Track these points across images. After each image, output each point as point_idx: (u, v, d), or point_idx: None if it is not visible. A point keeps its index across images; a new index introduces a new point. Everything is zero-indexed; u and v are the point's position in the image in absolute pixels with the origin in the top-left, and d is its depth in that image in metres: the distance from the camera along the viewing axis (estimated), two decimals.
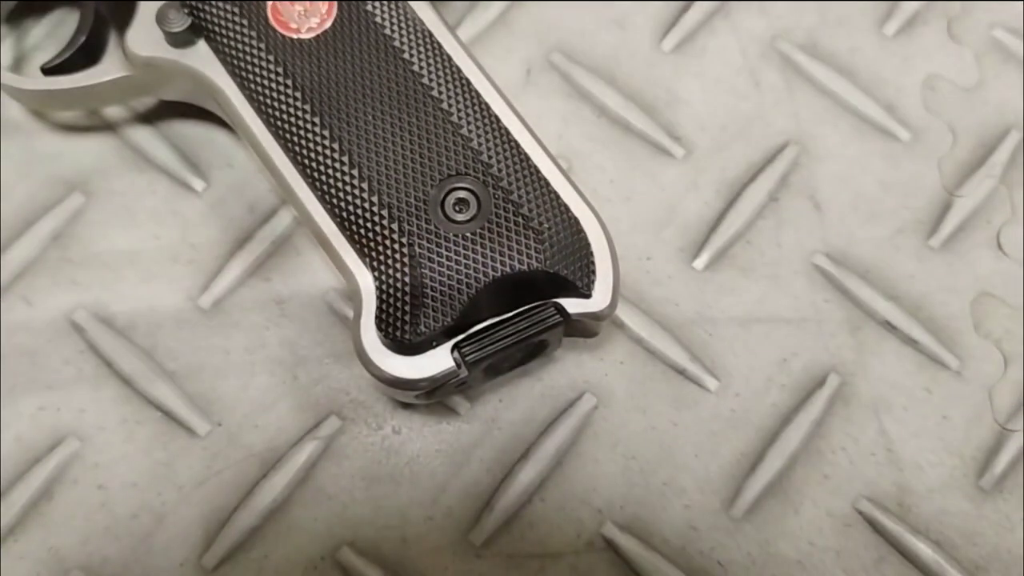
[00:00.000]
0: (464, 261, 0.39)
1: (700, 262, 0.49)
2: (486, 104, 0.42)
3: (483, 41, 0.51)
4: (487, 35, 0.52)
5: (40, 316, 0.46)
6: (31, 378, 0.45)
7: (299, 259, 0.48)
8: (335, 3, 0.43)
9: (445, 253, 0.40)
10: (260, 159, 0.43)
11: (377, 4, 0.43)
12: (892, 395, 0.47)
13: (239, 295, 0.47)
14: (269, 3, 0.43)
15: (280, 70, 0.42)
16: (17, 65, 0.50)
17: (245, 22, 0.42)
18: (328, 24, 0.42)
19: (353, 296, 0.41)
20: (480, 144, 0.41)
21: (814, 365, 0.48)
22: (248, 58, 0.42)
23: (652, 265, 0.49)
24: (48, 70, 0.46)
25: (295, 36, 0.42)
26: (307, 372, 0.46)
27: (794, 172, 0.50)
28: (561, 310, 0.40)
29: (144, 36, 0.44)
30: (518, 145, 0.42)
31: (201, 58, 0.44)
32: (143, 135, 0.49)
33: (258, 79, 0.42)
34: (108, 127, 0.49)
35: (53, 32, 0.51)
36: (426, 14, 0.44)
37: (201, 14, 0.43)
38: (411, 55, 0.42)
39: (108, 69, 0.45)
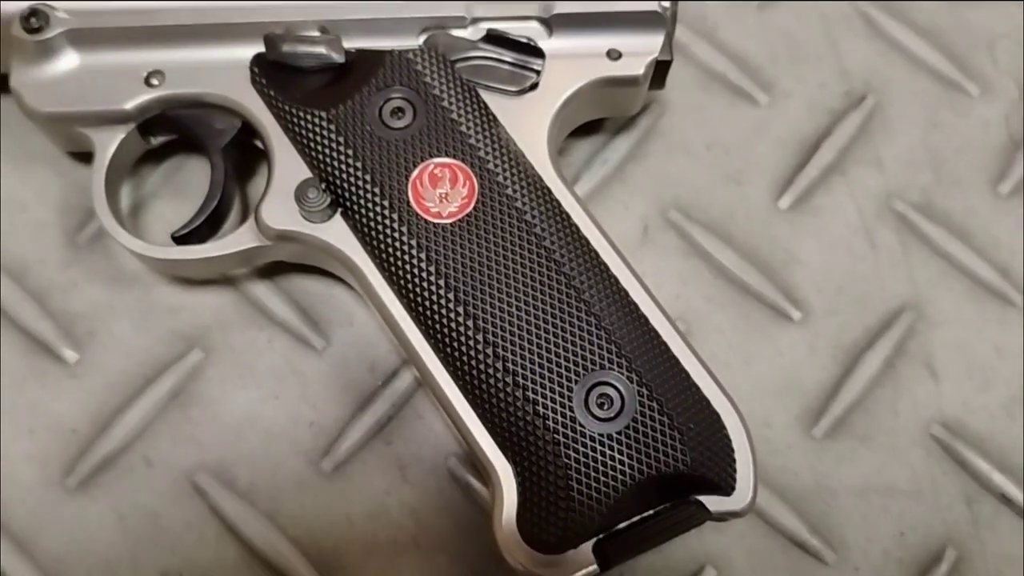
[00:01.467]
0: (609, 462, 0.40)
1: (819, 430, 0.49)
2: (625, 291, 0.43)
3: (600, 195, 0.52)
4: (604, 189, 0.53)
5: (162, 476, 0.47)
6: (154, 541, 0.46)
7: (420, 422, 0.48)
8: (475, 187, 0.43)
9: (590, 453, 0.40)
10: (396, 338, 0.44)
11: (516, 188, 0.44)
12: (1009, 571, 0.48)
13: (360, 459, 0.48)
14: (410, 184, 0.44)
15: (423, 256, 0.43)
16: (135, 213, 0.51)
17: (386, 203, 0.43)
18: (469, 208, 0.43)
19: (487, 477, 0.42)
20: (622, 337, 0.42)
21: (931, 538, 0.48)
22: (388, 240, 0.43)
23: (772, 433, 0.49)
24: (179, 238, 0.46)
25: (436, 221, 0.43)
26: (429, 540, 0.47)
27: (910, 338, 0.51)
28: (702, 508, 0.41)
29: (279, 209, 0.45)
30: (657, 335, 0.43)
31: (337, 234, 0.45)
32: (262, 290, 0.50)
33: (398, 262, 0.43)
34: (227, 281, 0.50)
35: (170, 178, 0.52)
36: (556, 186, 0.45)
37: (341, 192, 0.44)
38: (550, 239, 0.43)
39: (240, 239, 0.46)
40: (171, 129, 0.49)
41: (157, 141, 0.50)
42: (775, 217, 0.53)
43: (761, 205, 0.53)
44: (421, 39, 0.47)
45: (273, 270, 0.50)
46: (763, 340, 0.51)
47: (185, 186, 0.52)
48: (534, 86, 0.47)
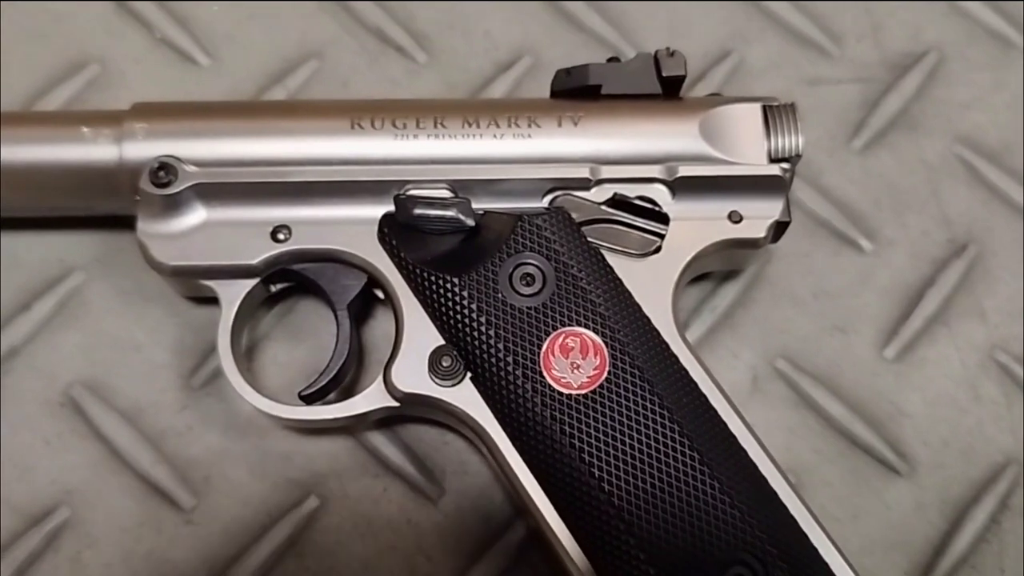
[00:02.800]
0: None
1: None
2: (753, 464, 0.44)
3: (709, 343, 0.54)
4: (712, 337, 0.54)
5: None
6: None
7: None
8: (606, 357, 0.44)
9: None
10: (521, 500, 0.45)
11: (646, 358, 0.45)
12: None
13: None
14: (542, 354, 0.45)
15: (556, 427, 0.44)
16: (249, 355, 0.52)
17: (519, 373, 0.44)
18: (601, 379, 0.44)
19: None
20: (756, 519, 0.43)
21: None
22: (521, 410, 0.44)
23: None
24: (307, 396, 0.47)
25: (569, 392, 0.44)
26: None
27: (1014, 494, 0.52)
28: None
29: (409, 371, 0.46)
30: (788, 513, 0.43)
31: (467, 398, 0.46)
32: (378, 438, 0.51)
33: (531, 431, 0.44)
34: (343, 428, 0.51)
35: (282, 319, 0.53)
36: (683, 353, 0.46)
37: (472, 359, 0.45)
38: (680, 412, 0.44)
39: (370, 400, 0.47)
40: (294, 281, 0.50)
41: (276, 288, 0.51)
42: (881, 367, 0.54)
43: (867, 355, 0.54)
44: (546, 200, 0.48)
45: (387, 417, 0.51)
46: (871, 494, 0.52)
47: (298, 328, 0.53)
48: (657, 249, 0.48)
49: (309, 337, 0.52)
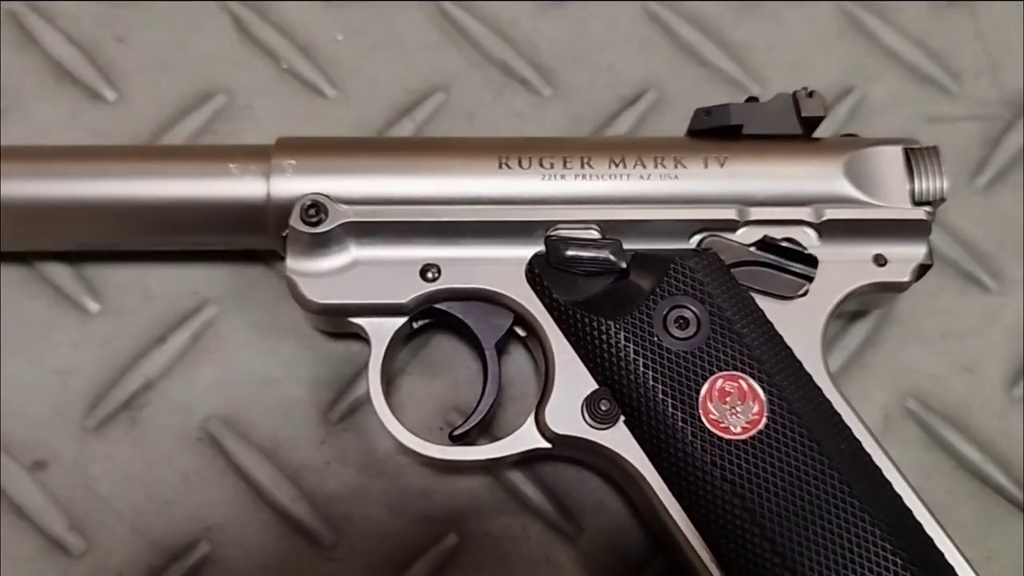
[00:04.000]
0: None
1: None
2: (906, 508, 0.45)
3: (841, 382, 0.54)
4: (844, 376, 0.55)
5: None
6: None
7: None
8: (764, 402, 0.45)
9: None
10: (675, 540, 0.46)
11: (802, 403, 0.45)
12: None
13: None
14: (700, 398, 0.45)
15: (716, 472, 0.44)
16: (388, 390, 0.52)
17: (678, 416, 0.45)
18: (761, 425, 0.45)
19: None
20: (915, 565, 0.43)
21: None
22: (680, 454, 0.45)
23: None
24: (457, 437, 0.48)
25: (729, 437, 0.45)
26: None
27: None
28: None
29: (562, 413, 0.47)
30: (940, 555, 0.44)
31: (620, 441, 0.46)
32: (516, 476, 0.52)
33: (690, 476, 0.45)
34: (480, 466, 0.51)
35: (418, 353, 0.53)
36: (835, 398, 0.46)
37: (628, 402, 0.45)
38: (837, 458, 0.45)
39: (522, 441, 0.48)
40: (437, 319, 0.50)
41: (417, 325, 0.51)
42: (1010, 408, 0.55)
43: (995, 395, 0.55)
44: (693, 241, 0.49)
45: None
46: (1004, 535, 0.52)
47: (433, 364, 0.53)
48: (805, 292, 0.48)
49: (444, 372, 0.53)
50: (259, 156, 0.49)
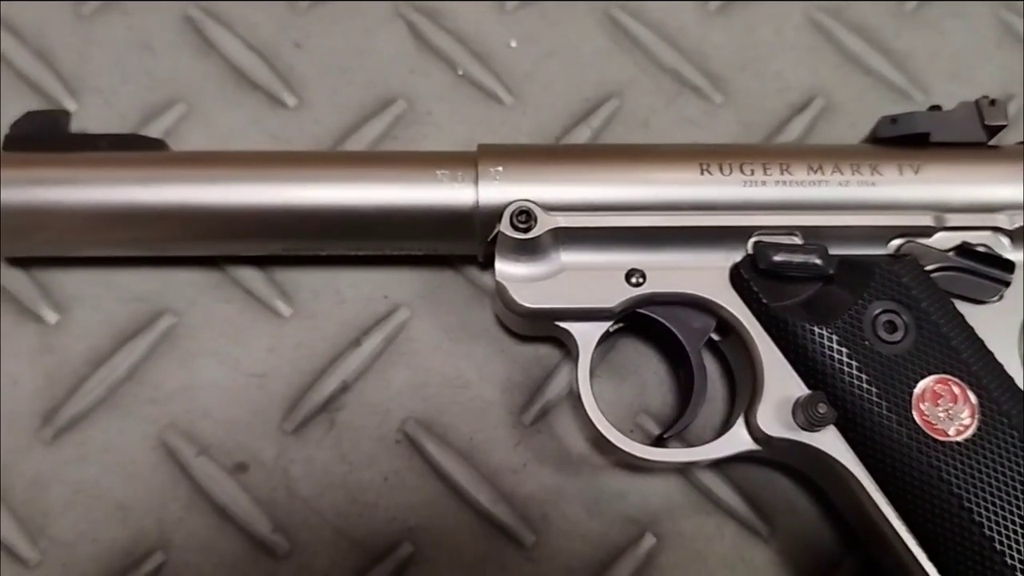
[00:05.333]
0: None
1: None
2: None
3: None
4: None
5: None
6: None
7: None
8: (975, 405, 0.46)
9: None
10: (888, 541, 0.47)
11: (1010, 404, 0.47)
12: None
13: None
14: (914, 400, 0.46)
15: (934, 474, 0.46)
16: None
17: (893, 419, 0.46)
18: (974, 427, 0.46)
19: None
20: None
21: None
22: (893, 455, 0.46)
23: None
24: (665, 438, 0.49)
25: (944, 439, 0.46)
26: None
27: None
28: None
29: (773, 416, 0.48)
30: None
31: (831, 443, 0.47)
32: (708, 476, 0.53)
33: (907, 478, 0.46)
34: (676, 467, 0.53)
35: (605, 356, 0.55)
36: None
37: (840, 405, 0.47)
38: None
39: (733, 443, 0.49)
40: (637, 323, 0.52)
41: (614, 329, 0.52)
42: None
43: None
44: (891, 247, 0.50)
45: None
46: None
47: (620, 367, 0.54)
48: (1000, 296, 0.50)
49: (631, 376, 0.54)
50: (464, 163, 0.50)
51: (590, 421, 0.49)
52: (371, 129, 0.58)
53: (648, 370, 0.54)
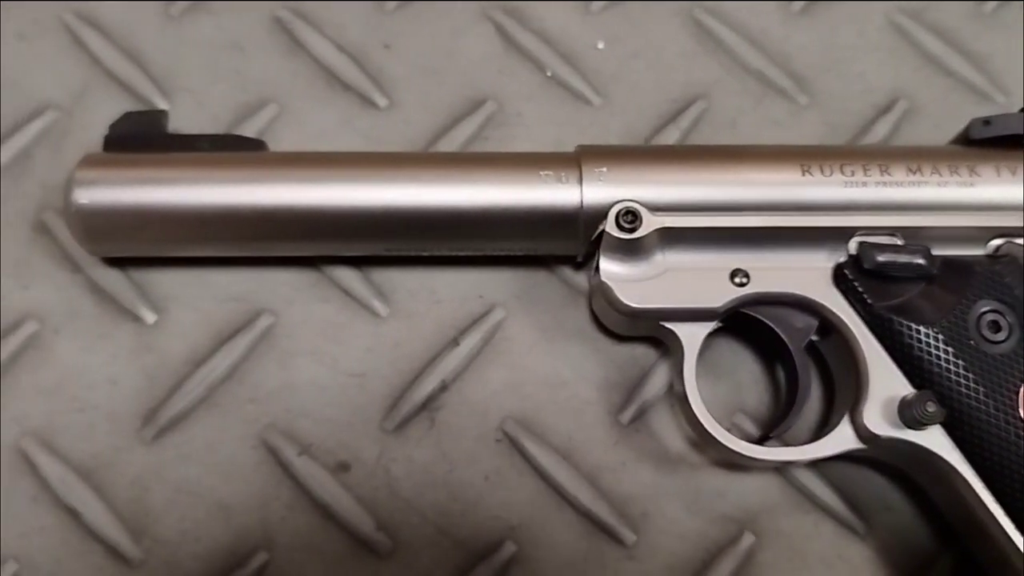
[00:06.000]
0: None
1: None
2: None
3: None
4: None
5: None
6: None
7: None
8: None
9: None
10: (996, 543, 0.47)
11: None
12: None
13: None
14: (1020, 399, 0.47)
15: None
16: (671, 394, 0.54)
17: (1000, 417, 0.47)
18: None
19: None
20: None
21: None
22: (1001, 453, 0.47)
23: None
24: (771, 437, 0.50)
25: None
26: None
27: None
28: None
29: (880, 415, 0.49)
30: None
31: (936, 441, 0.48)
32: (804, 474, 0.53)
33: (1010, 473, 0.47)
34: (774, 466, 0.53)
35: (700, 356, 0.55)
36: None
37: (949, 405, 0.47)
38: None
39: (838, 442, 0.49)
40: (737, 323, 0.52)
41: (711, 328, 0.53)
42: None
43: None
44: (990, 247, 0.51)
45: None
46: None
47: (714, 366, 0.55)
48: None
49: (726, 375, 0.55)
50: (567, 163, 0.51)
51: (695, 421, 0.49)
52: (462, 130, 0.58)
53: (743, 369, 0.55)
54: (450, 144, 0.58)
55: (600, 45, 0.61)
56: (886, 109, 0.61)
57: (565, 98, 0.59)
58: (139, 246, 0.53)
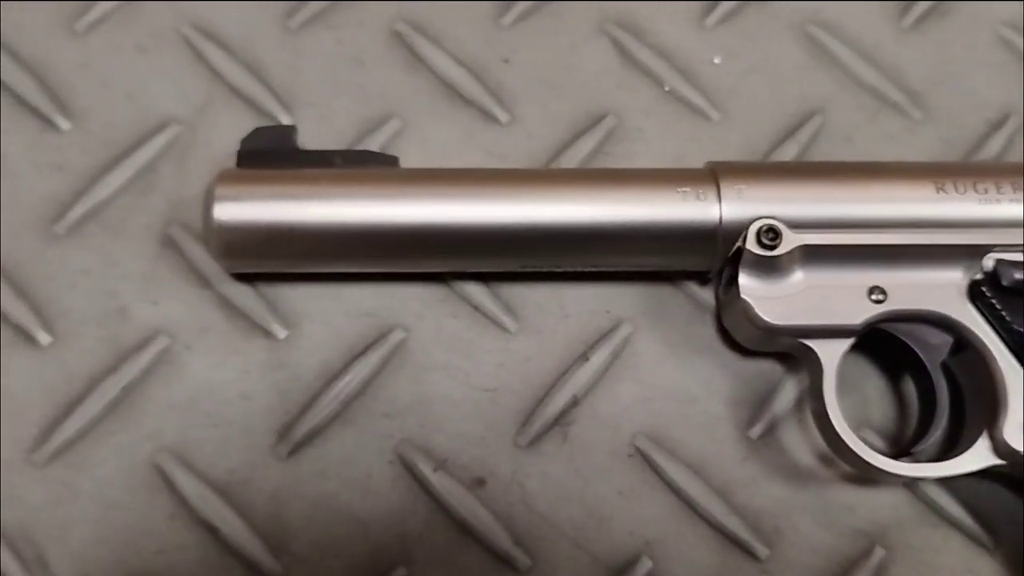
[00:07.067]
0: None
1: None
2: None
3: None
4: None
5: None
6: None
7: None
8: None
9: None
10: None
11: None
12: None
13: None
14: None
15: None
16: (802, 407, 0.54)
17: None
18: None
19: None
20: None
21: None
22: None
23: None
24: (912, 453, 0.50)
25: None
26: None
27: None
28: None
29: (1020, 431, 0.49)
30: None
31: None
32: (932, 489, 0.54)
33: None
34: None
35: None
36: None
37: None
38: None
39: (977, 458, 0.50)
40: (870, 339, 0.53)
41: None
42: None
43: None
44: None
45: None
46: None
47: (841, 380, 0.54)
48: None
49: (853, 390, 0.55)
50: (703, 180, 0.51)
51: (835, 437, 0.50)
52: (583, 145, 0.58)
53: (869, 385, 0.55)
54: (572, 159, 0.58)
55: (716, 60, 0.61)
56: (999, 124, 0.61)
57: (684, 113, 0.60)
58: (274, 262, 0.53)
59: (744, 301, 0.51)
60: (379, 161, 0.53)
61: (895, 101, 0.61)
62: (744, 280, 0.51)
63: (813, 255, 0.51)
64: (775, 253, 0.50)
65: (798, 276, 0.51)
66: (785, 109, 0.60)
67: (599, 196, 0.51)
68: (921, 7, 0.64)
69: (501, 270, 0.53)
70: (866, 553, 0.53)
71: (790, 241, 0.50)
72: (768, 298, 0.51)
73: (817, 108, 0.61)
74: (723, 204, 0.51)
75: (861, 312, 0.51)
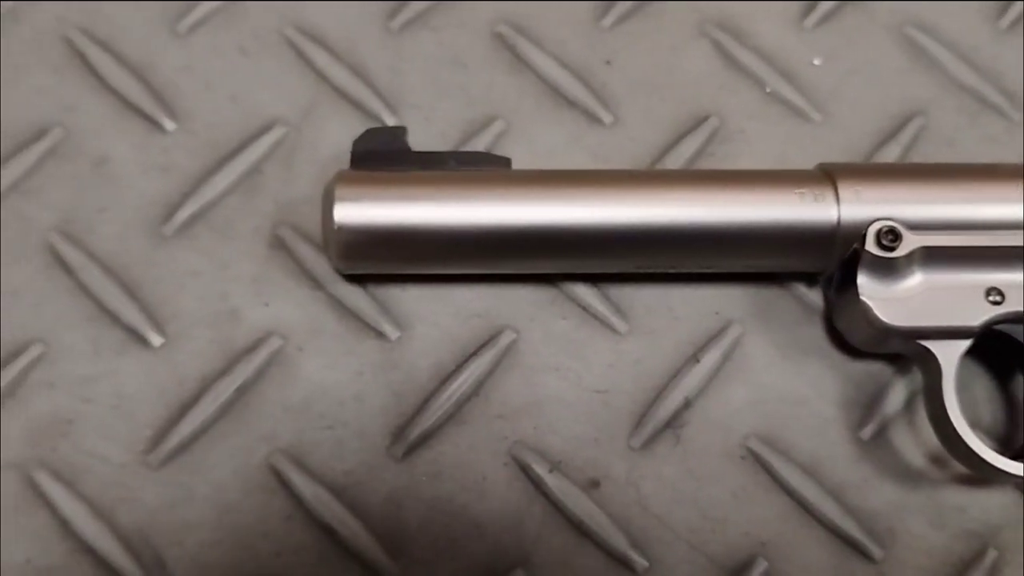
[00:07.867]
0: None
1: None
2: None
3: None
4: None
5: None
6: None
7: None
8: None
9: None
10: None
11: None
12: None
13: None
14: None
15: None
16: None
17: None
18: None
19: None
20: None
21: None
22: None
23: None
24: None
25: None
26: None
27: None
28: None
29: None
30: None
31: None
32: None
33: None
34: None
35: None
36: None
37: None
38: None
39: None
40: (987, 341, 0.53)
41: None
42: None
43: None
44: None
45: None
46: None
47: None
48: None
49: (961, 392, 0.54)
50: (820, 181, 0.52)
51: (956, 439, 0.50)
52: (687, 146, 0.59)
53: (977, 385, 0.55)
54: (675, 161, 0.58)
55: (816, 61, 0.61)
56: None
57: (786, 114, 0.60)
58: (391, 264, 0.53)
59: (863, 302, 0.51)
60: (492, 162, 0.54)
61: (995, 103, 0.61)
62: (863, 281, 0.51)
63: (931, 256, 0.51)
64: (895, 255, 0.50)
65: (916, 277, 0.51)
66: (886, 111, 0.61)
67: (716, 197, 0.51)
68: (1018, 7, 0.64)
69: (616, 271, 0.53)
70: (979, 555, 0.53)
71: (910, 243, 0.50)
72: (887, 299, 0.51)
73: (918, 110, 0.61)
74: (841, 206, 0.51)
75: (979, 313, 0.51)
